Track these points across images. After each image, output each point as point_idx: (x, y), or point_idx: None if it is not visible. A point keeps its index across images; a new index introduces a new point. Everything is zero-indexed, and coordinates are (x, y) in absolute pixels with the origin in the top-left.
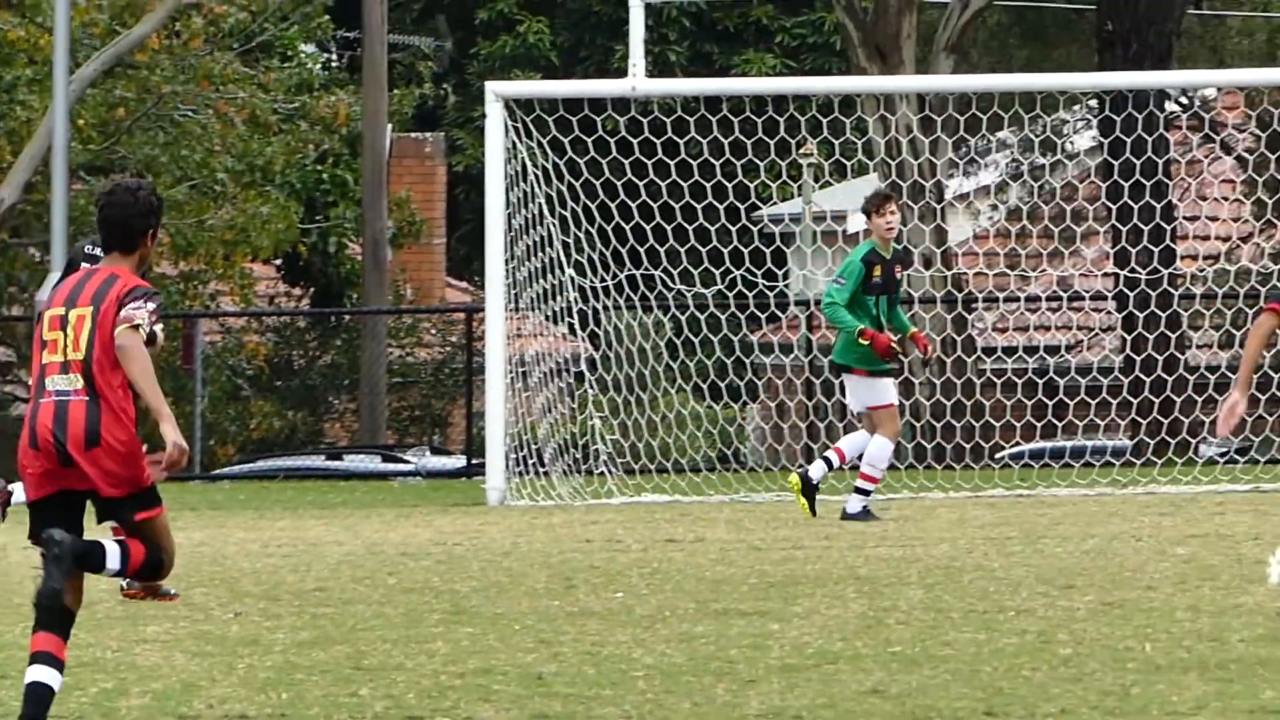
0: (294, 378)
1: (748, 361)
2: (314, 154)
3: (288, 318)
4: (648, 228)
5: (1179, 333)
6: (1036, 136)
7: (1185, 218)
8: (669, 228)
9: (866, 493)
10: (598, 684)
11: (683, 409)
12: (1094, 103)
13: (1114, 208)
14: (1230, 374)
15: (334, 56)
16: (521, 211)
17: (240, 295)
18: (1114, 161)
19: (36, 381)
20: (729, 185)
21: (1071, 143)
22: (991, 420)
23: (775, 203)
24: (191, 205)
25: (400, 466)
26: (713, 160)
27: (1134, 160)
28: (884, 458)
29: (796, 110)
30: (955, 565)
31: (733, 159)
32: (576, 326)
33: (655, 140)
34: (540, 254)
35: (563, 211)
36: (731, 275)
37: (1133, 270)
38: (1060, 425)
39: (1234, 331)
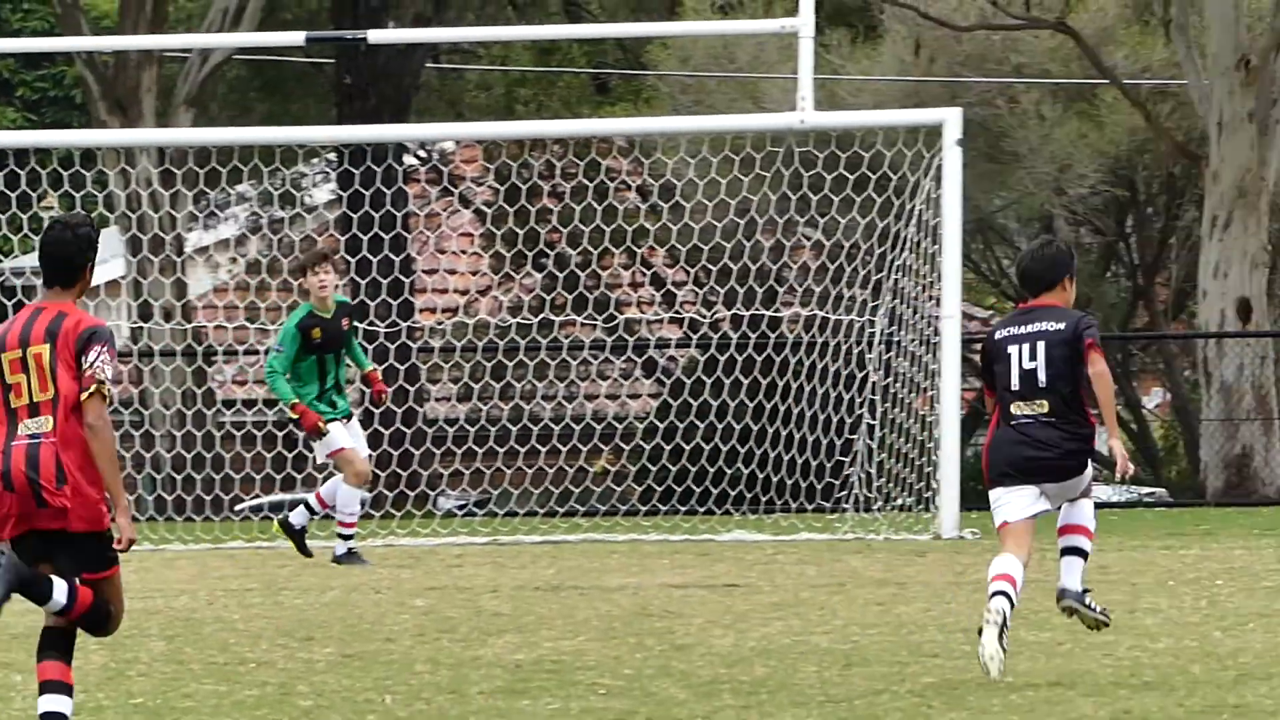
0: None
1: None
2: None
3: None
4: None
5: (417, 385)
6: (276, 190)
7: (424, 270)
8: None
9: (347, 538)
10: None
11: None
12: (333, 156)
13: (353, 261)
14: (469, 426)
15: None
16: None
17: None
18: (353, 214)
19: (6, 426)
20: None
21: (311, 195)
22: (231, 472)
23: (17, 255)
24: None
25: None
26: None
27: (373, 213)
28: (351, 501)
29: (38, 163)
30: (196, 617)
31: None
32: None
33: None
34: None
35: None
36: None
37: (371, 324)
38: (300, 477)
39: (472, 384)
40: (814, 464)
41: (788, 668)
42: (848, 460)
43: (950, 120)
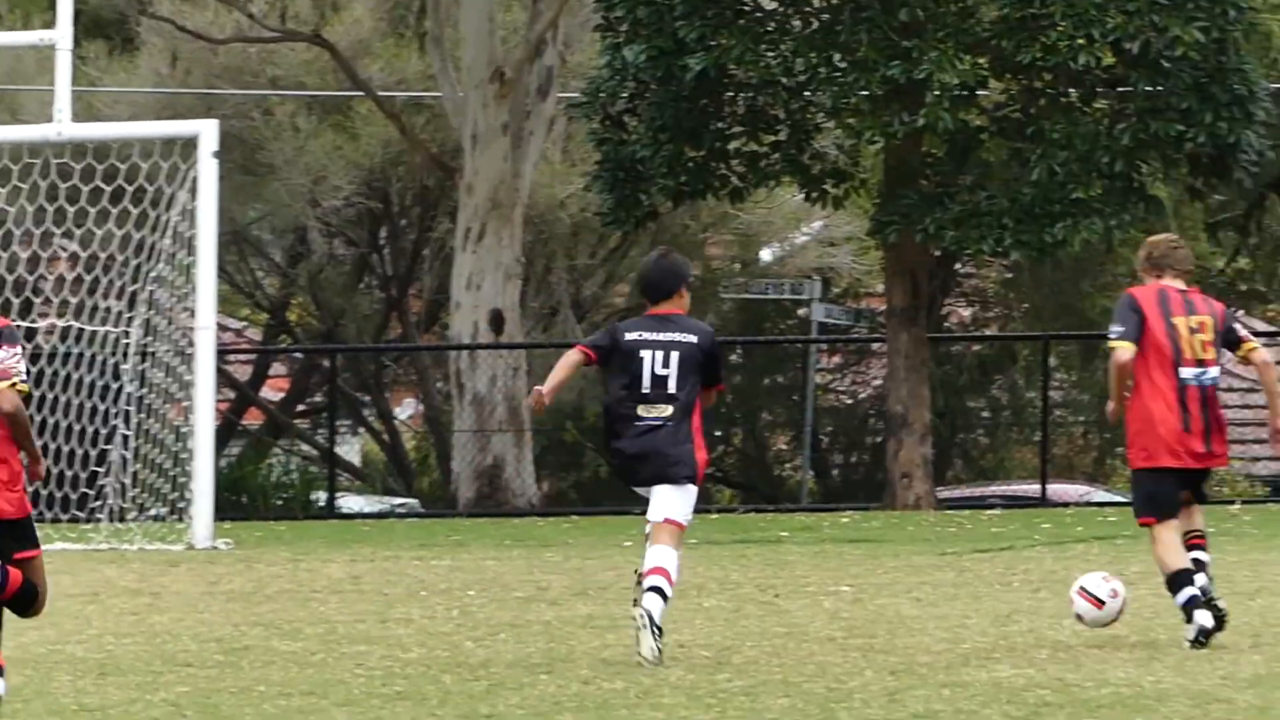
0: None
1: None
2: None
3: None
4: None
5: None
6: None
7: None
8: None
9: None
10: None
11: None
12: None
13: None
14: None
15: None
16: None
17: None
18: None
19: None
20: None
21: None
22: None
23: None
24: None
25: None
26: None
27: None
28: None
29: None
30: None
31: None
32: None
33: None
34: None
35: None
36: None
37: None
38: None
39: None
40: (69, 474)
41: (43, 676)
42: (102, 471)
43: (206, 132)
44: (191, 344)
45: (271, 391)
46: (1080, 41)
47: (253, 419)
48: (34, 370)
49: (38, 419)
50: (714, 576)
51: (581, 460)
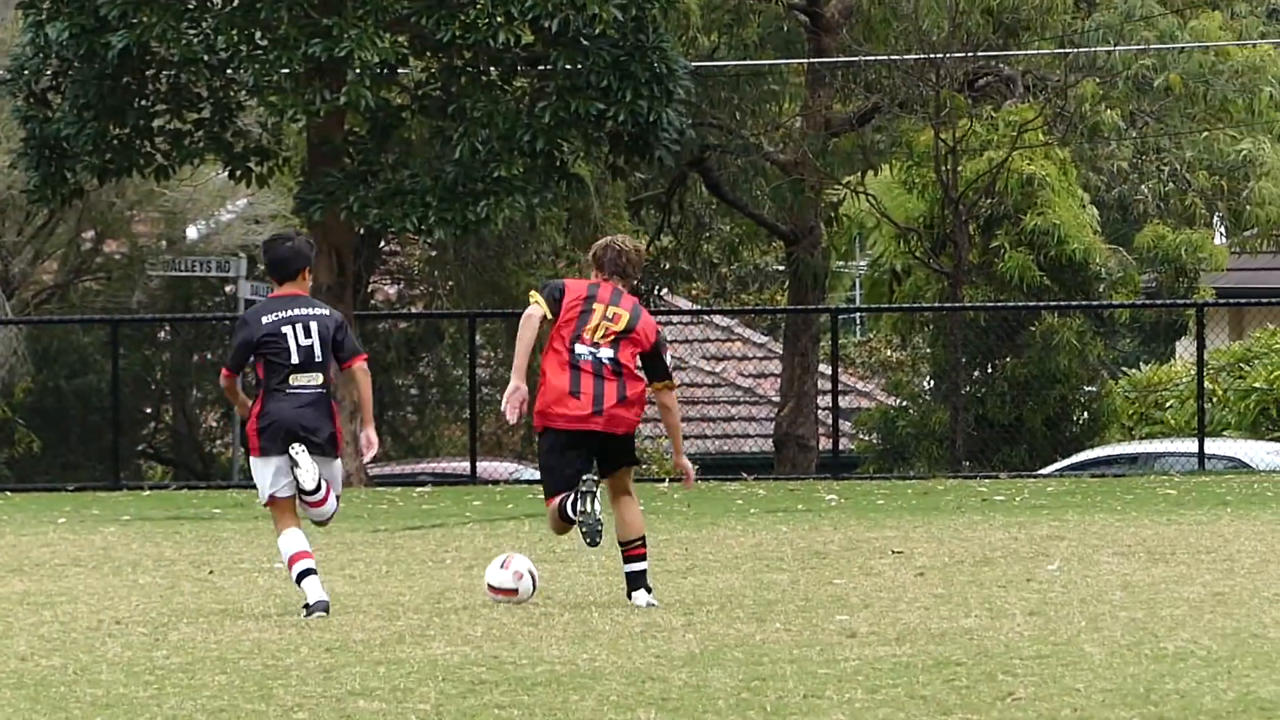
0: None
1: None
2: None
3: None
4: None
5: None
6: None
7: None
8: None
9: None
10: None
11: None
12: None
13: None
14: None
15: None
16: None
17: None
18: None
19: None
20: None
21: None
22: None
23: None
24: None
25: None
26: None
27: None
28: None
29: None
30: None
31: None
32: None
33: None
34: None
35: None
36: None
37: None
38: None
39: None
40: None
41: None
42: None
43: None
44: None
45: None
46: (499, 19)
47: None
48: None
49: None
50: (148, 553)
51: (13, 437)
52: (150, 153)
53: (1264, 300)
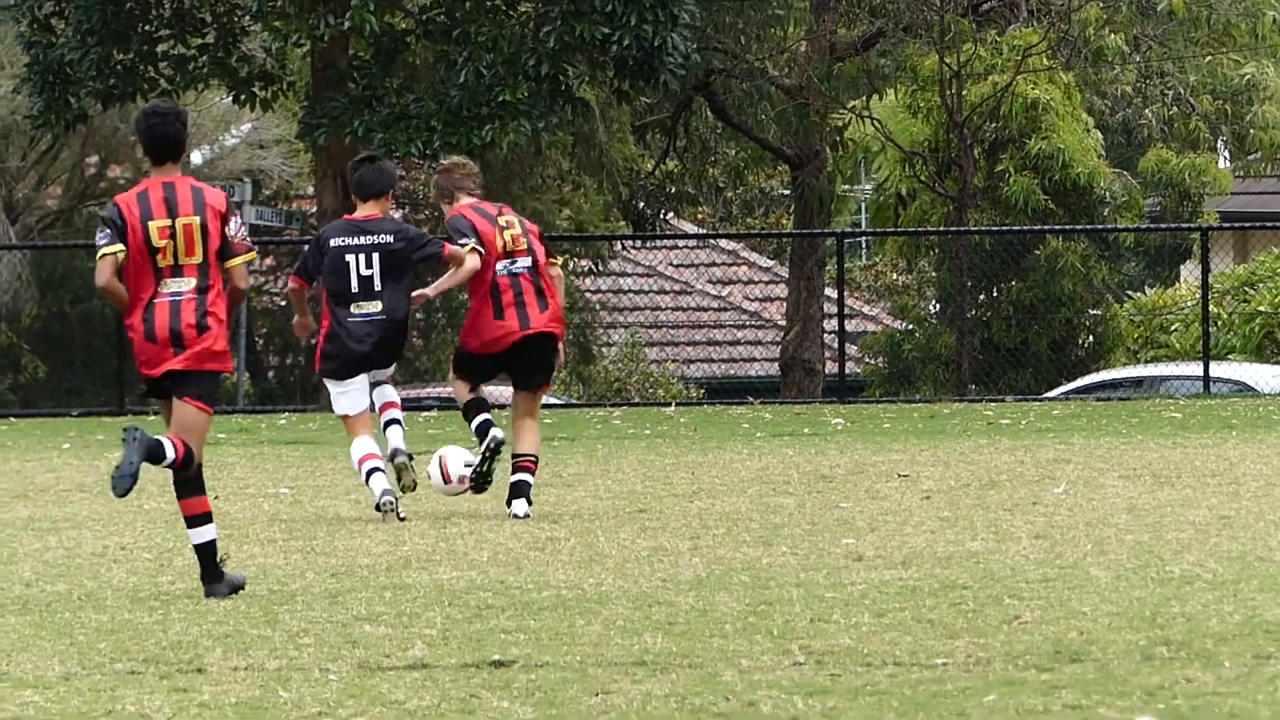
0: None
1: None
2: None
3: None
4: None
5: None
6: None
7: None
8: None
9: None
10: None
11: None
12: None
13: None
14: None
15: None
16: None
17: None
18: None
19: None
20: None
21: None
22: None
23: None
24: None
25: None
26: None
27: None
28: None
29: None
30: None
31: None
32: None
33: None
34: None
35: None
36: None
37: None
38: None
39: None
40: None
41: None
42: None
43: None
44: None
45: None
46: None
47: None
48: None
49: None
50: (152, 478)
51: (19, 362)
52: (154, 78)
53: (1268, 224)
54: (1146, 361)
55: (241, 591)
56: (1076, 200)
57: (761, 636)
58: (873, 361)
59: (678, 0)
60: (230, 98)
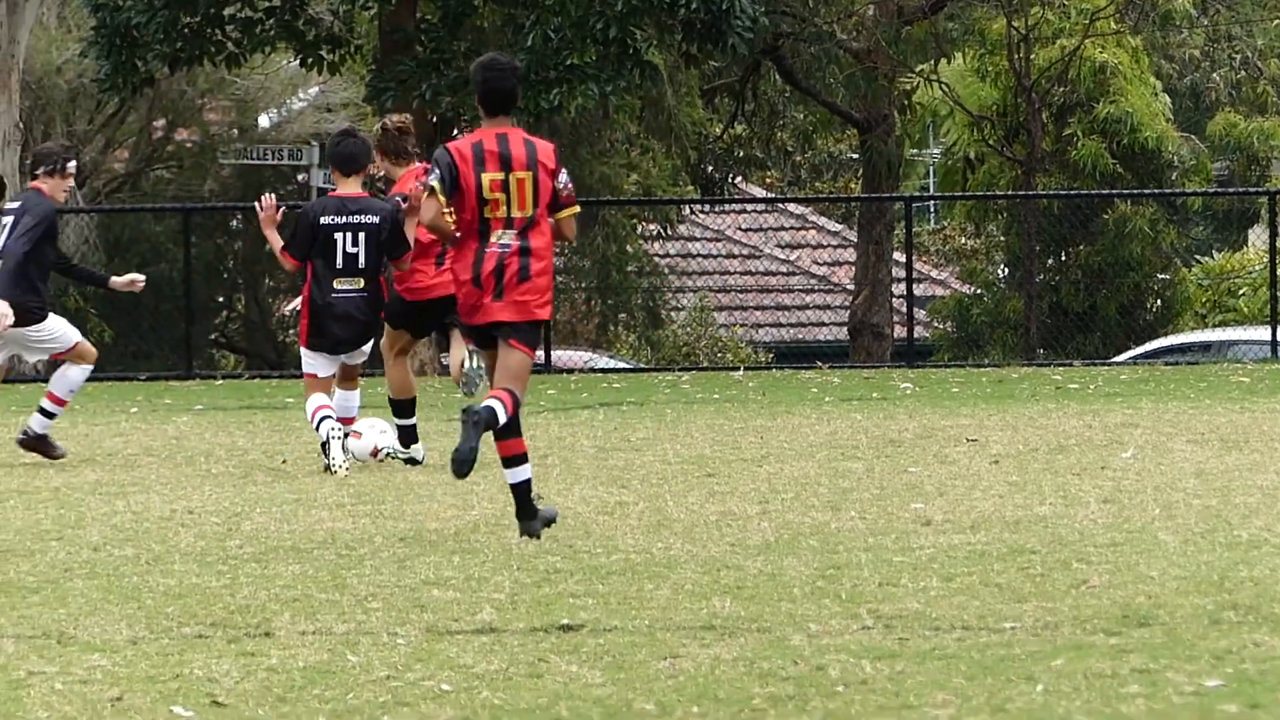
0: None
1: None
2: None
3: None
4: None
5: None
6: None
7: None
8: None
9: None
10: None
11: None
12: None
13: None
14: None
15: None
16: None
17: None
18: None
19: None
20: None
21: None
22: None
23: None
24: None
25: None
26: None
27: None
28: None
29: None
30: None
31: None
32: None
33: None
34: None
35: None
36: None
37: None
38: None
39: None
40: None
41: None
42: None
43: None
44: None
45: None
46: None
47: None
48: None
49: None
50: (220, 443)
51: (85, 326)
52: (221, 41)
53: None
54: (1214, 326)
55: (554, 524)
56: (1144, 164)
57: (830, 601)
58: (941, 326)
59: None
60: (297, 61)
